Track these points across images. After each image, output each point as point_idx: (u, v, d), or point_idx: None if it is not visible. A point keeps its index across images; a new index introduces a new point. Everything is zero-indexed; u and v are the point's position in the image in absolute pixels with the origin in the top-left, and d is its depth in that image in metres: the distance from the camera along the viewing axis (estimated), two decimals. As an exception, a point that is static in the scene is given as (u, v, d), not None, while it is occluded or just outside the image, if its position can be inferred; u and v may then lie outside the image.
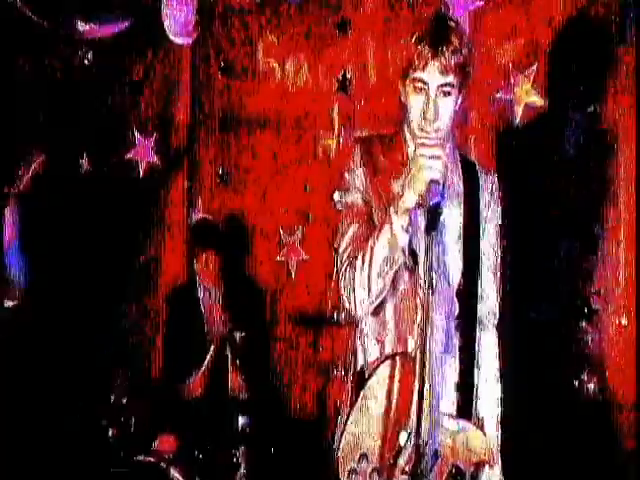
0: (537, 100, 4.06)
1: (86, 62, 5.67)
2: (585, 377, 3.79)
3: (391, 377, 2.32)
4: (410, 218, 2.24)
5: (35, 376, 4.77)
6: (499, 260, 2.54)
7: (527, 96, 4.07)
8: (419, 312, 2.26)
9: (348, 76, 4.66)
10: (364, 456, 2.30)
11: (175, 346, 4.51)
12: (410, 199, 2.22)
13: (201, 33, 5.26)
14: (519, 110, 4.09)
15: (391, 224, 2.25)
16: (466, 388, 2.42)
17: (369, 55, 4.61)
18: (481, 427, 2.43)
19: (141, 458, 3.98)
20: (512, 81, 4.11)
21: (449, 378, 2.40)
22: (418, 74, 2.31)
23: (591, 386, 3.78)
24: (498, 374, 2.51)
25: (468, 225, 2.45)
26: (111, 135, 5.50)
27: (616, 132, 3.89)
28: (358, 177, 2.41)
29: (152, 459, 3.98)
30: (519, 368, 3.47)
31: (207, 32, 5.26)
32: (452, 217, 2.42)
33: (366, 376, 2.36)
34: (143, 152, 5.44)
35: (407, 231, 2.25)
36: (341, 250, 2.39)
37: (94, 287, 5.21)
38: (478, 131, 4.17)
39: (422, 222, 2.22)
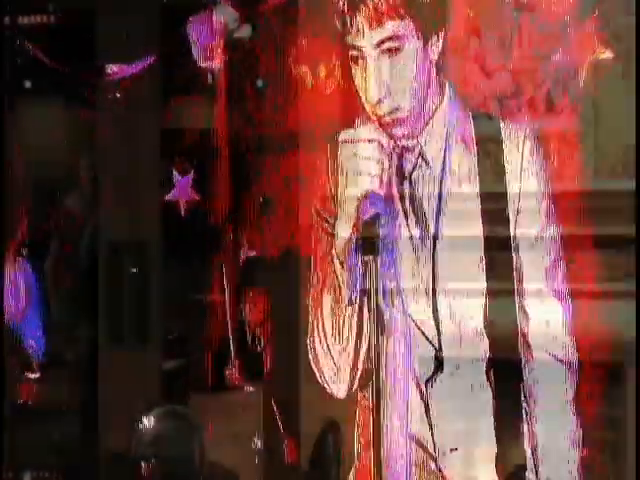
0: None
1: (116, 102, 5.35)
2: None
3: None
4: (348, 250, 1.58)
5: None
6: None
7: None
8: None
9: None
10: None
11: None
12: (342, 226, 1.58)
13: (232, 54, 4.81)
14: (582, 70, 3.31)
15: (332, 260, 1.62)
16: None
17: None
18: None
19: None
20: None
21: None
22: (348, 39, 1.63)
23: None
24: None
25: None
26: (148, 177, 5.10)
27: None
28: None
29: None
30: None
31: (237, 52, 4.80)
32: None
33: None
34: (182, 191, 4.99)
35: (350, 270, 1.57)
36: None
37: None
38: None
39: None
